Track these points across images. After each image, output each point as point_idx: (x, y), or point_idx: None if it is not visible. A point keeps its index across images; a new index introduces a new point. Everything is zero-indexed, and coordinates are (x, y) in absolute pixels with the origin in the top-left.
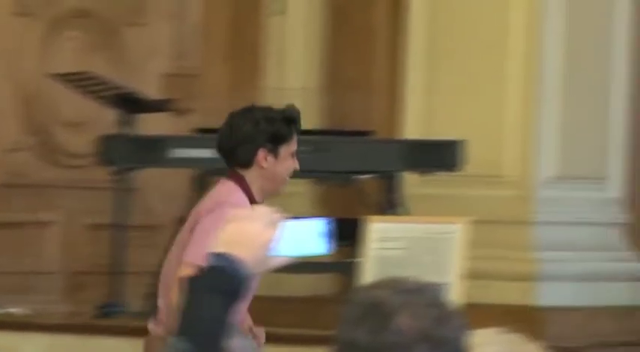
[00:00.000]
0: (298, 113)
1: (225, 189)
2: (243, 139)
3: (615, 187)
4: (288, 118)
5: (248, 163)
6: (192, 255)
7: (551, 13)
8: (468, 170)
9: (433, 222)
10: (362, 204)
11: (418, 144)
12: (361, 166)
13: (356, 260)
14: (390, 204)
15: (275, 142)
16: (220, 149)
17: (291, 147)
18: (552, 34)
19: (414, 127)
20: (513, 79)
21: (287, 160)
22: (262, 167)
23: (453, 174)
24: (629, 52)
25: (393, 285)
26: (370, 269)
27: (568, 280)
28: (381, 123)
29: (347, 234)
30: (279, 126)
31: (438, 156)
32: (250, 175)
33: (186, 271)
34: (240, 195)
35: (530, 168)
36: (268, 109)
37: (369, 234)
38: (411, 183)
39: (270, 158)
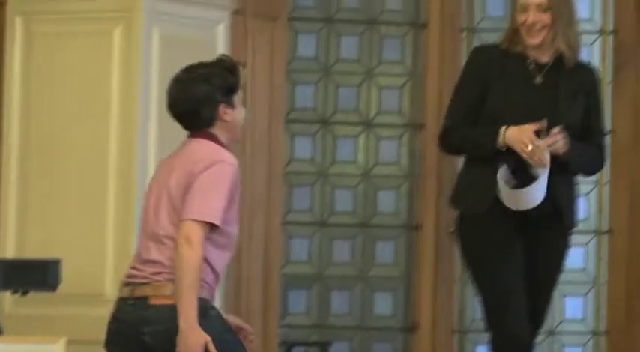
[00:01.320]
0: (231, 60)
1: (212, 148)
2: (204, 100)
3: None
4: (230, 68)
5: (211, 121)
6: (197, 213)
7: (150, 140)
8: (66, 289)
9: (29, 342)
10: None
11: (12, 263)
12: None
13: None
14: None
15: (229, 94)
16: (180, 115)
17: (239, 94)
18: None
19: (8, 246)
20: (112, 199)
21: (239, 107)
22: (225, 121)
23: (51, 293)
24: None
25: None
26: None
27: None
28: None
29: None
30: (228, 77)
31: (34, 275)
32: (217, 129)
33: (193, 228)
34: (226, 152)
35: None
36: (208, 65)
37: None
38: (7, 302)
39: (229, 110)
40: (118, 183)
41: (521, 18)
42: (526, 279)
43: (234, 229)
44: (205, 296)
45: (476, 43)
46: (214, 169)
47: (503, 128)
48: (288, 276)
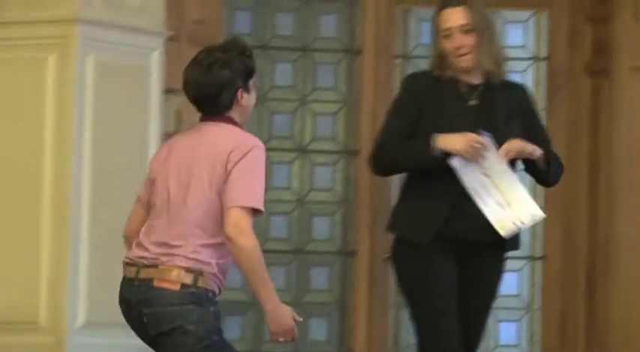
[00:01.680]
0: (243, 41)
1: (239, 133)
2: (226, 84)
3: None
4: (246, 52)
5: (230, 105)
6: (243, 200)
7: (84, 167)
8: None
9: None
10: None
11: None
12: None
13: None
14: None
15: (247, 79)
16: (199, 98)
17: (254, 78)
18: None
19: None
20: (46, 226)
21: (253, 92)
22: (242, 105)
23: None
24: None
25: None
26: None
27: None
28: None
29: None
30: (246, 62)
31: None
32: (234, 113)
33: (241, 215)
34: (253, 136)
35: (62, 316)
36: (225, 49)
37: None
38: None
39: (245, 95)
40: (52, 210)
41: (446, 44)
42: (461, 305)
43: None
44: (212, 288)
45: (410, 70)
46: (251, 155)
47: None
48: (222, 302)
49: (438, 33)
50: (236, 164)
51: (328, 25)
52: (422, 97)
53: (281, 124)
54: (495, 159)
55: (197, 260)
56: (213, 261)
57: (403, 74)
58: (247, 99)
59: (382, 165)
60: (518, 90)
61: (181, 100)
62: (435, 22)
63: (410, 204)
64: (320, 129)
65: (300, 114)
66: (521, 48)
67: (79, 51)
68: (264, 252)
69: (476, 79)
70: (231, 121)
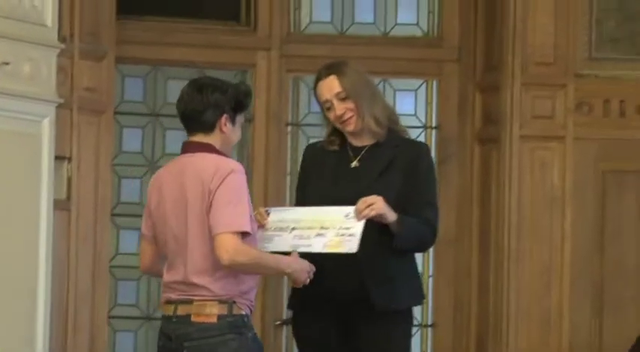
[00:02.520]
0: (250, 90)
1: (218, 160)
2: (212, 104)
3: None
4: (247, 93)
5: (211, 127)
6: (226, 225)
7: None
8: None
9: None
10: None
11: None
12: None
13: None
14: None
15: (235, 110)
16: (185, 113)
17: (242, 118)
18: None
19: None
20: None
21: (238, 129)
22: (224, 132)
23: None
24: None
25: None
26: None
27: None
28: None
29: None
30: (241, 97)
31: None
32: (214, 140)
33: (227, 240)
34: (232, 160)
35: None
36: (227, 82)
37: None
38: None
39: (229, 124)
40: None
41: (329, 114)
42: None
43: (254, 227)
44: (246, 312)
45: (301, 137)
46: (229, 180)
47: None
48: None
49: (322, 106)
50: (216, 191)
51: None
52: (310, 166)
53: None
54: (289, 212)
55: (226, 289)
56: (239, 287)
57: (294, 141)
58: (230, 130)
59: None
60: (411, 149)
61: (72, 167)
62: (316, 96)
63: None
64: None
65: None
66: (412, 116)
67: None
68: (155, 319)
69: (367, 140)
70: (211, 149)
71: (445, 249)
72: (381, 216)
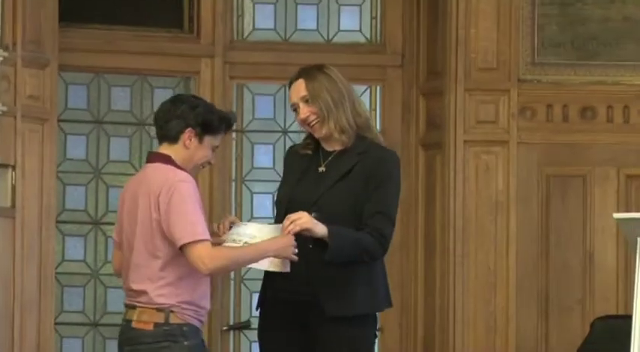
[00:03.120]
0: (234, 120)
1: (167, 171)
2: (178, 115)
3: None
4: (224, 118)
5: (174, 139)
6: (188, 236)
7: None
8: None
9: None
10: None
11: None
12: None
13: None
14: None
15: (204, 128)
16: (155, 121)
17: (215, 140)
18: None
19: None
20: None
21: (206, 148)
22: (187, 147)
23: None
24: None
25: None
26: None
27: None
28: None
29: None
30: (212, 117)
31: None
32: (175, 151)
33: (196, 249)
34: (181, 171)
35: None
36: (211, 104)
37: None
38: None
39: (194, 140)
40: None
41: (296, 117)
42: None
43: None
44: (187, 321)
45: (246, 143)
46: (177, 192)
47: None
48: None
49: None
50: (168, 205)
51: (163, 100)
52: (286, 168)
53: (117, 200)
54: (249, 226)
55: (164, 298)
56: (178, 297)
57: (238, 148)
58: (195, 146)
59: None
60: (375, 156)
61: (17, 175)
62: None
63: None
64: None
65: None
66: None
67: None
68: (102, 325)
69: (337, 146)
70: (167, 161)
71: (391, 253)
72: (308, 230)
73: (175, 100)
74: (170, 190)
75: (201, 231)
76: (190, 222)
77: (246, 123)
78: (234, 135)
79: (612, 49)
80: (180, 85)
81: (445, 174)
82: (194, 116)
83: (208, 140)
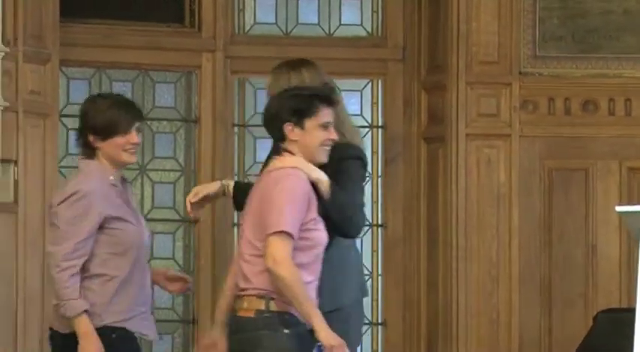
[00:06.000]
0: (327, 91)
1: (283, 163)
2: (272, 117)
3: None
4: (314, 94)
5: (282, 137)
6: (275, 225)
7: None
8: None
9: None
10: None
11: None
12: None
13: None
14: None
15: (298, 116)
16: (264, 127)
17: (318, 119)
18: None
19: None
20: None
21: (314, 131)
22: (292, 139)
23: None
24: None
25: None
26: None
27: None
28: None
29: None
30: (299, 101)
31: None
32: (290, 147)
33: (273, 242)
34: (295, 170)
35: None
36: (297, 87)
37: None
38: None
39: (297, 130)
40: None
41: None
42: None
43: (314, 233)
44: (291, 311)
45: (248, 138)
46: (281, 184)
47: None
48: None
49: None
50: (269, 191)
51: (165, 95)
52: None
53: None
54: None
55: (264, 284)
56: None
57: (241, 142)
58: (301, 136)
59: None
60: (335, 149)
61: (19, 170)
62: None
63: None
64: (159, 198)
65: (139, 183)
66: (358, 116)
67: None
68: None
69: None
70: (285, 154)
71: (394, 247)
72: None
73: (270, 100)
74: (277, 180)
75: (288, 223)
76: (281, 214)
77: (247, 118)
78: (236, 129)
79: (613, 41)
80: (182, 79)
81: (447, 167)
82: (283, 110)
83: (310, 123)
